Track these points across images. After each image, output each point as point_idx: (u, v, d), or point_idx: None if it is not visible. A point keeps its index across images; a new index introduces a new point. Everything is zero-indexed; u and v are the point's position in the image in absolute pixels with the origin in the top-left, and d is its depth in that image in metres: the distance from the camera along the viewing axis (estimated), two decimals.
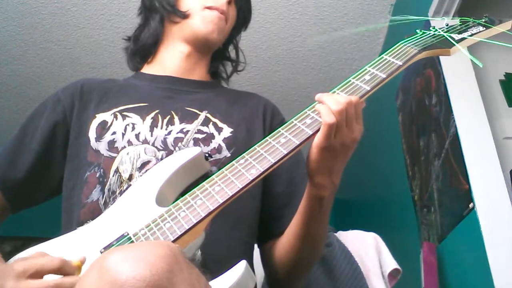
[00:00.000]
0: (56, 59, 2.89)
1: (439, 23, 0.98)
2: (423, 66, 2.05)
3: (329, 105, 0.78)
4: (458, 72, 1.82)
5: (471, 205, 1.55)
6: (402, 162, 2.33)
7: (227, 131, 1.00)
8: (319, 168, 0.81)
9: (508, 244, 1.44)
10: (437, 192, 1.87)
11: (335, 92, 0.83)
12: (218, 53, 1.19)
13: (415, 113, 2.18)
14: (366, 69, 0.86)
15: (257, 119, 1.07)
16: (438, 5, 1.92)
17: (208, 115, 1.02)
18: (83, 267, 0.72)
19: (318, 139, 0.78)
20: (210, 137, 0.98)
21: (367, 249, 1.25)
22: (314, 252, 0.94)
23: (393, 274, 1.24)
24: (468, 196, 1.57)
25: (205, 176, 0.80)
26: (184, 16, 1.08)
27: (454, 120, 1.72)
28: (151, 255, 0.56)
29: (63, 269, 0.69)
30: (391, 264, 1.24)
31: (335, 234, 1.27)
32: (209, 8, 1.07)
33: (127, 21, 2.64)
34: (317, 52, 2.83)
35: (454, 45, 0.90)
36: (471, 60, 1.82)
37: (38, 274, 0.69)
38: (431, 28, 0.96)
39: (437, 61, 1.89)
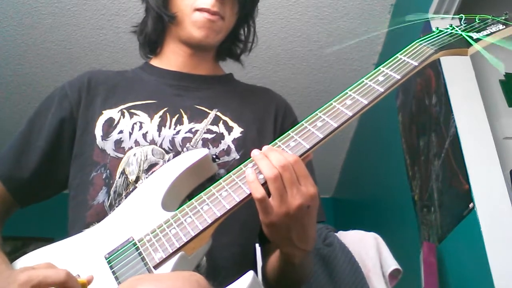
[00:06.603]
0: (56, 59, 2.89)
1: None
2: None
3: (261, 168, 0.71)
4: (458, 72, 1.81)
5: (471, 205, 1.55)
6: (402, 162, 2.33)
7: (237, 131, 0.97)
8: (277, 240, 0.76)
9: (508, 244, 1.44)
10: (437, 192, 1.87)
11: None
12: (228, 34, 1.10)
13: (415, 113, 2.18)
14: (380, 69, 0.81)
15: (268, 119, 1.03)
16: (438, 5, 1.92)
17: (218, 114, 0.99)
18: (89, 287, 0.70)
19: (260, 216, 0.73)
20: (220, 137, 0.95)
21: (368, 249, 1.24)
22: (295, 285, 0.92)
23: (393, 274, 1.24)
24: (468, 196, 1.57)
25: (213, 178, 0.78)
26: (171, 19, 1.02)
27: (454, 120, 1.72)
28: None
29: (67, 284, 0.67)
30: (391, 264, 1.24)
31: (335, 234, 1.27)
32: (199, 10, 0.99)
33: (127, 21, 2.64)
34: (317, 52, 2.83)
35: (472, 45, 0.85)
36: (471, 60, 1.81)
37: (41, 286, 0.67)
38: (448, 26, 0.90)
39: (437, 60, 1.89)
